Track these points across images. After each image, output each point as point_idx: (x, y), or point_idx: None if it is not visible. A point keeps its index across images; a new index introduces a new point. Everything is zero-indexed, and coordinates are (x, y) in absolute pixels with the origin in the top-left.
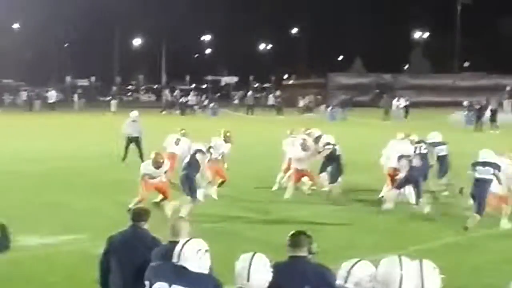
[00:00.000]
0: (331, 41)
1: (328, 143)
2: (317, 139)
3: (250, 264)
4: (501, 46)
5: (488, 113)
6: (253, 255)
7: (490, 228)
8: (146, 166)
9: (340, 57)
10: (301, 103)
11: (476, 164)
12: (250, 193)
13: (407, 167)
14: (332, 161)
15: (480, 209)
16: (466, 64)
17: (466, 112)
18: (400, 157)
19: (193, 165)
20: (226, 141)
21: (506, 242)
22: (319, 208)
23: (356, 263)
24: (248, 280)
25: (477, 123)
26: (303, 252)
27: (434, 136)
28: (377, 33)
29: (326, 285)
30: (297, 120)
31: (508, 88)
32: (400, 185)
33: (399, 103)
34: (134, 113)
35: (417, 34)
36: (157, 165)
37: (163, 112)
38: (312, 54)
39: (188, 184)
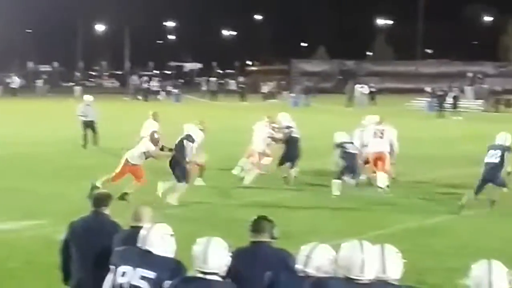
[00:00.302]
0: (295, 28)
1: (289, 126)
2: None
3: (207, 247)
4: (464, 33)
5: (450, 100)
6: (211, 239)
7: (451, 213)
8: (149, 147)
9: (304, 44)
10: (264, 89)
11: (489, 147)
12: (213, 178)
13: (344, 155)
14: (291, 145)
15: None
16: (429, 51)
17: (429, 98)
18: (338, 146)
19: (181, 150)
20: (202, 130)
21: (466, 226)
22: (282, 193)
23: (315, 247)
24: (205, 263)
25: (440, 109)
26: (264, 237)
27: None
28: (341, 19)
29: (287, 270)
30: (260, 106)
31: (470, 75)
32: (340, 175)
33: (362, 89)
34: (88, 97)
35: (380, 21)
36: (155, 142)
37: (140, 98)
38: (275, 41)
39: (178, 169)
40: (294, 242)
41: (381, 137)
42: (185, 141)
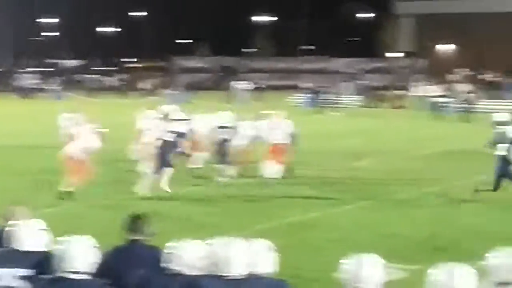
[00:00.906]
0: (176, 25)
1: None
2: (166, 116)
3: (71, 246)
4: (343, 30)
5: (329, 96)
6: (75, 237)
7: (332, 207)
8: (92, 143)
9: (185, 41)
10: (145, 86)
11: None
12: (105, 174)
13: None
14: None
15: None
16: (310, 47)
17: (309, 94)
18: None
19: (170, 145)
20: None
21: (346, 221)
22: (177, 187)
23: (185, 244)
24: (69, 262)
25: (319, 105)
26: (140, 235)
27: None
28: (222, 16)
29: (160, 268)
30: (141, 103)
31: (349, 71)
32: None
33: (243, 86)
34: None
35: (262, 18)
36: (99, 137)
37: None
38: (156, 38)
39: (163, 161)
40: (174, 239)
41: (277, 129)
42: (179, 138)
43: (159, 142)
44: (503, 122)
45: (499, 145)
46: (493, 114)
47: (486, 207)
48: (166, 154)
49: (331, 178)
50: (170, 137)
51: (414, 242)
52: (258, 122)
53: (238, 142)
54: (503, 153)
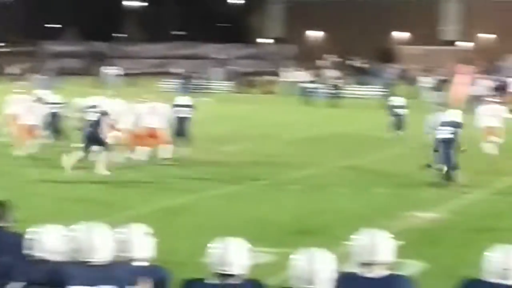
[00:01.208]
0: (45, 8)
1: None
2: (39, 100)
3: None
4: (214, 15)
5: (200, 81)
6: None
7: (201, 192)
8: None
9: (54, 25)
10: (13, 71)
11: (439, 124)
12: None
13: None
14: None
15: (447, 164)
16: (182, 33)
17: (179, 80)
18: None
19: (97, 125)
20: None
21: (212, 206)
22: (29, 171)
23: (46, 229)
24: None
25: (189, 91)
26: (2, 222)
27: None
28: (93, 1)
29: (23, 255)
30: (8, 88)
31: (220, 57)
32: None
33: (113, 71)
34: None
35: (132, 2)
36: None
37: None
38: (25, 21)
39: (97, 140)
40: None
41: (153, 114)
42: (103, 117)
43: (85, 123)
44: (399, 106)
45: (440, 128)
46: (390, 98)
47: (351, 190)
48: (96, 133)
49: (201, 163)
50: (93, 117)
51: (282, 226)
52: (136, 106)
53: (119, 125)
54: (447, 136)
